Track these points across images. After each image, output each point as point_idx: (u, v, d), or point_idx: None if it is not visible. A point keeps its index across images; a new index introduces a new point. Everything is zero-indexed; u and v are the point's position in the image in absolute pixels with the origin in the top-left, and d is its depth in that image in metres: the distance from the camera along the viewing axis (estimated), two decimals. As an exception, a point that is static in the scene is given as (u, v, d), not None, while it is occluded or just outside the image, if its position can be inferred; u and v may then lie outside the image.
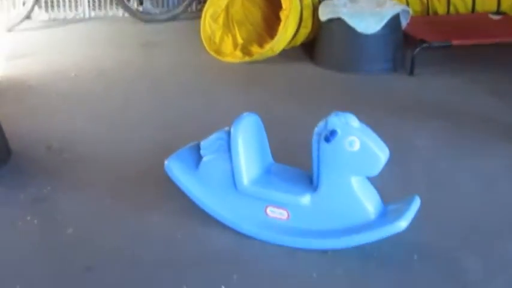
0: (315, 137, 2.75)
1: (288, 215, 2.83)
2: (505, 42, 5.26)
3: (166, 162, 3.03)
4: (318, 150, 2.74)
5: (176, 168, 3.01)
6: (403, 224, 2.68)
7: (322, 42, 5.19)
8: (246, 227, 2.88)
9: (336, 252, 2.77)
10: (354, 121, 2.73)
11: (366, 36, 4.94)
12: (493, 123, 4.09)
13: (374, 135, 2.75)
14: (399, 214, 2.71)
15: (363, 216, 2.76)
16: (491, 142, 3.84)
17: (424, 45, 4.96)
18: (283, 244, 2.82)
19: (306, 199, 2.79)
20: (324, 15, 5.06)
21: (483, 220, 3.08)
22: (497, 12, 5.83)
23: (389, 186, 3.08)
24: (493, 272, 2.72)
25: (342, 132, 2.68)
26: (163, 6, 6.61)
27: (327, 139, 2.69)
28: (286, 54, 5.26)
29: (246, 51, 5.33)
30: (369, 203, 2.77)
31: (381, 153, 2.71)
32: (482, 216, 3.11)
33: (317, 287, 2.62)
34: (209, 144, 2.95)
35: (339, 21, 4.97)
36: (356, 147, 2.68)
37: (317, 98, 4.42)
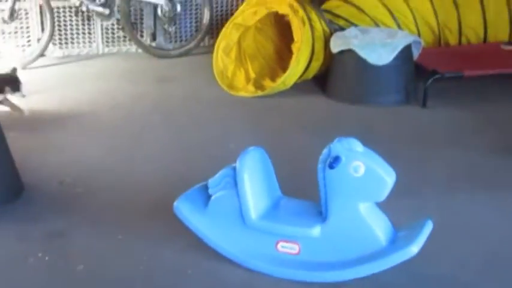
0: (320, 165, 2.73)
1: (299, 249, 2.80)
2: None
3: (175, 203, 3.01)
4: (324, 178, 2.73)
5: (185, 209, 2.99)
6: (414, 249, 2.64)
7: (334, 75, 5.20)
8: (257, 263, 2.85)
9: (350, 284, 2.73)
10: (357, 146, 2.72)
11: (377, 68, 4.94)
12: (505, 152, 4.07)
13: (379, 159, 2.73)
14: (411, 239, 2.68)
15: (374, 243, 2.72)
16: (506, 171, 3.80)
17: (437, 76, 4.95)
18: (295, 279, 2.78)
19: (316, 231, 2.77)
20: (335, 47, 5.08)
21: (502, 252, 3.04)
22: (510, 42, 5.82)
23: (403, 217, 3.05)
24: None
25: (345, 158, 2.67)
26: (176, 41, 6.65)
27: (331, 166, 2.67)
28: (299, 88, 5.27)
29: (258, 85, 5.34)
30: (379, 229, 2.74)
31: (387, 177, 2.68)
32: (500, 248, 3.07)
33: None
34: (216, 181, 2.93)
35: (350, 52, 4.98)
36: (361, 172, 2.65)
37: (329, 130, 4.40)
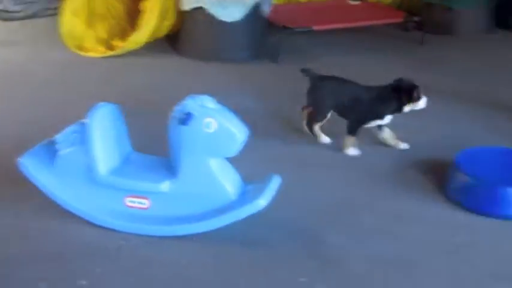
0: (171, 122, 2.72)
1: (149, 204, 2.79)
2: (363, 26, 5.41)
3: (19, 159, 2.91)
4: (175, 134, 2.71)
5: (31, 166, 2.89)
6: (262, 202, 2.70)
7: (185, 33, 5.17)
8: (107, 219, 2.81)
9: (203, 236, 2.76)
10: (210, 103, 2.72)
11: (229, 25, 4.96)
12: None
13: (232, 116, 2.75)
14: (259, 192, 2.73)
15: (224, 197, 2.76)
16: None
17: (287, 31, 5.02)
18: (146, 234, 2.77)
19: (165, 186, 2.76)
20: (186, 4, 5.04)
21: (340, 197, 3.17)
22: (356, -2, 6.01)
23: (253, 169, 3.10)
24: (352, 244, 2.81)
25: (198, 114, 2.67)
26: (22, 3, 6.34)
27: (183, 122, 2.66)
28: (151, 47, 5.19)
29: (108, 45, 5.22)
30: (229, 183, 2.77)
31: (239, 133, 2.71)
32: (339, 194, 3.20)
33: (185, 273, 2.60)
34: (64, 137, 2.86)
35: (201, 10, 4.96)
36: (213, 128, 2.67)
37: (181, 87, 4.37)
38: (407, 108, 3.53)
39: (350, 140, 3.58)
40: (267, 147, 3.59)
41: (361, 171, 3.42)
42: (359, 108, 3.57)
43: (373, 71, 4.71)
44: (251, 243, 2.78)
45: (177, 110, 2.73)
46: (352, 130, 3.58)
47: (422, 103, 3.53)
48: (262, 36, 5.13)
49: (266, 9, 5.20)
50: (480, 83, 4.04)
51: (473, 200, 3.08)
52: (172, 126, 2.72)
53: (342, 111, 3.64)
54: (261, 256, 2.71)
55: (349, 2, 5.89)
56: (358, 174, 3.40)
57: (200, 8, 4.97)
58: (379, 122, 3.59)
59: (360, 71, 4.77)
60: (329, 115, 3.64)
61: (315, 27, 5.14)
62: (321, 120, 3.65)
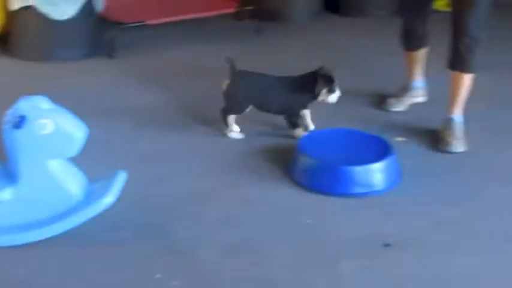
0: (5, 126, 2.62)
1: (-10, 214, 2.67)
2: (198, 17, 5.44)
3: None
4: (10, 139, 2.62)
5: None
6: (108, 199, 2.67)
7: (17, 33, 4.96)
8: None
9: (50, 243, 2.68)
10: (44, 103, 2.64)
11: (61, 23, 4.82)
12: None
13: (68, 115, 2.69)
14: (105, 190, 2.69)
15: (68, 198, 2.70)
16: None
17: (120, 26, 4.96)
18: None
19: (6, 194, 2.65)
20: (15, 3, 4.83)
21: (187, 189, 3.19)
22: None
23: (97, 168, 3.05)
24: (203, 235, 2.83)
25: (31, 116, 2.58)
26: None
27: (17, 125, 2.57)
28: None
29: None
30: (72, 185, 2.72)
31: (77, 132, 2.66)
32: (185, 186, 3.22)
33: (30, 283, 2.51)
34: None
35: (32, 9, 4.79)
36: (49, 129, 2.59)
37: (14, 90, 4.18)
38: (320, 98, 3.57)
39: (299, 131, 3.63)
40: (112, 144, 3.55)
41: (207, 162, 3.46)
42: (278, 101, 3.61)
43: (207, 62, 4.76)
44: (100, 244, 2.74)
45: (9, 114, 2.63)
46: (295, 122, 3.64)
47: (334, 97, 3.58)
48: (97, 32, 5.02)
49: (99, 5, 5.10)
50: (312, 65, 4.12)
51: (317, 182, 3.20)
52: (7, 131, 2.62)
53: (262, 107, 3.67)
54: (112, 256, 2.67)
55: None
56: (204, 164, 3.43)
57: (30, 7, 4.79)
58: (303, 111, 3.62)
59: (193, 62, 4.84)
60: (248, 109, 3.65)
61: (149, 21, 5.11)
62: (235, 113, 3.65)
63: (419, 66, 4.09)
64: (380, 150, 3.31)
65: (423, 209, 3.07)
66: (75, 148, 2.68)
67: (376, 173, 3.18)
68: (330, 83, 3.55)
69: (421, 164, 3.44)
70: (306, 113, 3.64)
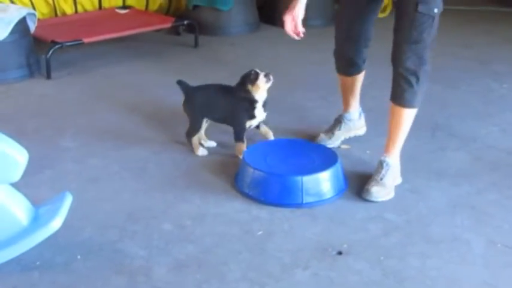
0: None
1: None
2: (134, 34, 5.41)
3: None
4: (-47, 167, 2.54)
5: None
6: (57, 223, 2.61)
7: None
8: None
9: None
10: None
11: (-6, 45, 4.71)
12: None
13: (9, 140, 2.62)
14: (52, 214, 2.64)
15: (14, 224, 2.63)
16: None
17: (56, 46, 4.88)
18: None
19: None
20: None
21: (136, 207, 3.15)
22: (124, 7, 5.98)
23: (43, 190, 2.99)
24: (155, 253, 2.80)
25: None
26: None
27: None
28: None
29: None
30: (18, 209, 2.65)
31: (19, 156, 2.59)
32: (135, 204, 3.18)
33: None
34: None
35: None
36: None
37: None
38: (257, 95, 3.51)
39: (240, 146, 3.56)
40: (55, 165, 3.50)
41: (155, 178, 3.42)
42: (230, 111, 3.58)
43: (147, 78, 4.75)
44: (51, 268, 2.67)
45: None
46: (237, 136, 3.58)
47: (262, 81, 3.47)
48: (32, 53, 4.93)
49: (31, 26, 5.00)
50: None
51: (264, 192, 3.19)
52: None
53: (218, 119, 3.66)
54: (64, 281, 2.61)
55: (118, 11, 5.86)
56: (152, 180, 3.39)
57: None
58: (256, 119, 3.57)
59: (133, 79, 4.81)
60: (205, 124, 3.65)
61: (85, 40, 5.05)
62: (194, 133, 3.63)
63: (353, 93, 3.62)
64: (326, 159, 3.33)
65: (373, 214, 3.10)
66: (18, 173, 2.61)
67: (324, 181, 3.20)
68: (249, 76, 3.51)
69: (366, 170, 3.47)
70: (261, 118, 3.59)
